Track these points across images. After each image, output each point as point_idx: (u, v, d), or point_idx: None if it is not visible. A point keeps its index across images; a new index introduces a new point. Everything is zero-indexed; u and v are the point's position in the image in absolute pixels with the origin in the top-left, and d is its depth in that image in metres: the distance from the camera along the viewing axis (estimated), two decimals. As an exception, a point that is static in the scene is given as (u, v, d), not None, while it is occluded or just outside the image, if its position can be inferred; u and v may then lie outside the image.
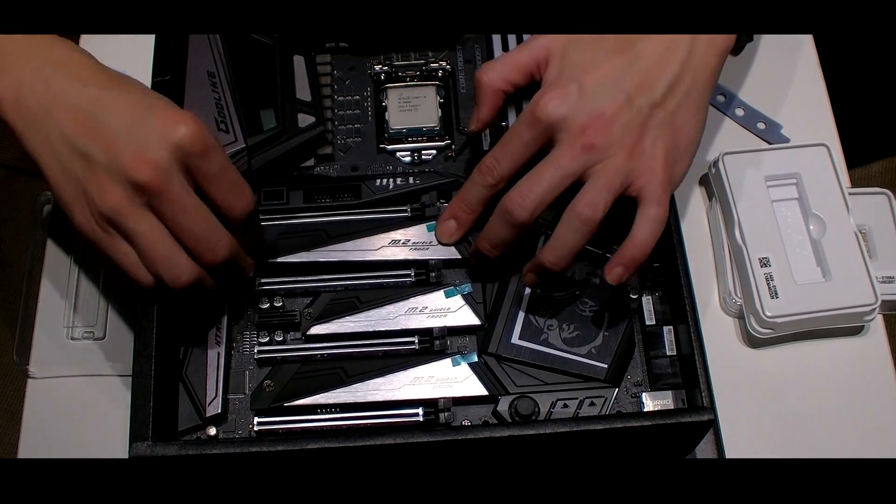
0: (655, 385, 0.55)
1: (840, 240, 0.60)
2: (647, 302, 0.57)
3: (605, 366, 0.55)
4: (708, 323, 0.60)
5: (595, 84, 0.52)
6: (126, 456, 0.49)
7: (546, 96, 0.52)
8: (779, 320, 0.58)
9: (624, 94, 0.51)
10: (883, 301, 0.59)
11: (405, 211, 0.59)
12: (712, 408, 0.51)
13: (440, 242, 0.58)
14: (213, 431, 0.54)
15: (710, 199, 0.65)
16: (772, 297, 0.58)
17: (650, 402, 0.55)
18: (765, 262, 0.59)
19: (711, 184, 0.64)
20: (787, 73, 0.69)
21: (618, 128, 0.51)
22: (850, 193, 0.62)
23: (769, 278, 0.59)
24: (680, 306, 0.54)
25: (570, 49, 0.53)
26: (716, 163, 0.63)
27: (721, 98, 0.68)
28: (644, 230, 0.51)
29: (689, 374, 0.53)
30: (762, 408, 0.59)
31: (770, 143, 0.67)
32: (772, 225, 0.61)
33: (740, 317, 0.61)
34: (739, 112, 0.68)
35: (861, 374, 0.60)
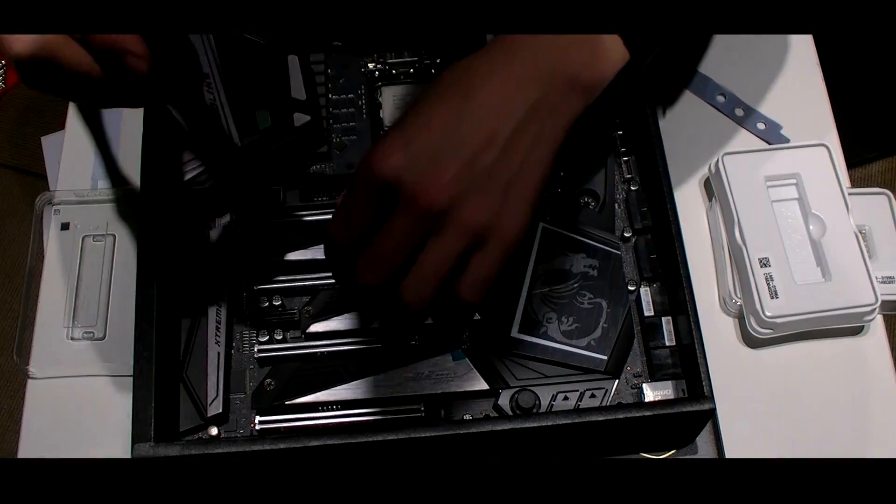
0: (655, 376, 0.55)
1: (840, 240, 0.60)
2: (646, 293, 0.58)
3: (605, 357, 0.55)
4: (708, 323, 0.60)
5: (431, 141, 0.44)
6: (126, 456, 0.49)
7: (377, 153, 0.44)
8: (779, 320, 0.58)
9: (463, 154, 0.44)
10: (883, 301, 0.59)
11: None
12: (712, 398, 0.51)
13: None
14: (214, 431, 0.54)
15: (710, 200, 0.65)
16: (772, 298, 0.58)
17: (651, 393, 0.55)
18: (765, 263, 0.59)
19: (711, 184, 0.64)
20: (787, 73, 0.69)
21: (455, 191, 0.44)
22: (850, 193, 0.62)
23: (769, 278, 0.59)
24: (679, 297, 0.54)
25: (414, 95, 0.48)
26: (716, 163, 0.63)
27: (721, 98, 0.68)
28: (467, 279, 0.46)
29: (689, 363, 0.53)
30: (762, 408, 0.59)
31: (770, 144, 0.67)
32: (772, 225, 0.61)
33: (740, 317, 0.61)
34: (739, 112, 0.68)
35: (861, 374, 0.60)
